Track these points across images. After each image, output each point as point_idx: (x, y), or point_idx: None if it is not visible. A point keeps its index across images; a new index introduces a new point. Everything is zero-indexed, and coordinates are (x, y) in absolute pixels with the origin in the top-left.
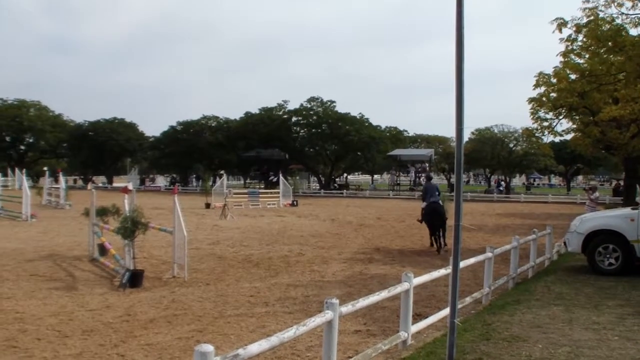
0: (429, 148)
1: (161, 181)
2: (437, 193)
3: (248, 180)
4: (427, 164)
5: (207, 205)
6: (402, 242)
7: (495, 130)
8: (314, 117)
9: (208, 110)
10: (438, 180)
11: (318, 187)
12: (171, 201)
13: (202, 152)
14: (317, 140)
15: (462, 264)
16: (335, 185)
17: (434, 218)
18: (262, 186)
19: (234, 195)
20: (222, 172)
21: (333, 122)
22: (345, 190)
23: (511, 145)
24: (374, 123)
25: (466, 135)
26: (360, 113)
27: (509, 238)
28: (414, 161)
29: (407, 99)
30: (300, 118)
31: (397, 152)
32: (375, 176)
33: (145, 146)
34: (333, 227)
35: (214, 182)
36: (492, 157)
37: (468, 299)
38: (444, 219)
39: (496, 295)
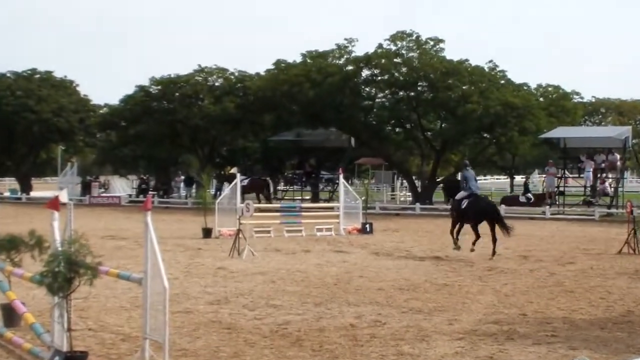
0: (621, 125)
1: (121, 187)
2: (477, 185)
3: (281, 187)
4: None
5: (207, 232)
6: (569, 303)
7: None
8: (403, 70)
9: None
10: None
11: (411, 198)
12: (140, 223)
13: (197, 134)
14: (407, 111)
15: None
16: (440, 187)
17: (480, 215)
18: (308, 197)
19: (256, 214)
20: (232, 170)
21: (438, 78)
22: None
23: None
24: (516, 80)
25: None
26: (490, 62)
27: None
28: (592, 149)
29: (576, 38)
30: (377, 71)
31: (559, 132)
32: (518, 177)
33: (92, 123)
34: (439, 273)
35: (219, 189)
36: None
37: None
38: (499, 216)
39: None
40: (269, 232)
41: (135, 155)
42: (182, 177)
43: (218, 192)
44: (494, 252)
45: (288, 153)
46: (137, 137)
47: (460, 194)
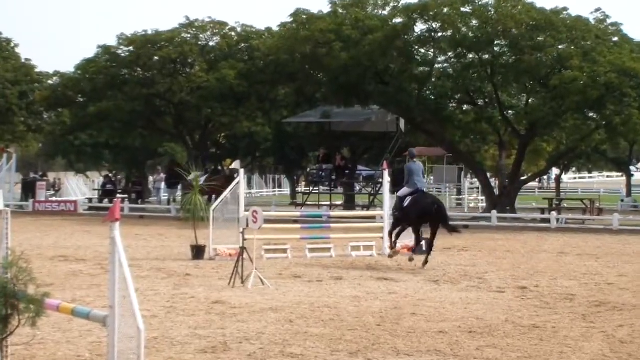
0: None
1: (77, 188)
2: (424, 181)
3: (301, 190)
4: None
5: (198, 251)
6: None
7: None
8: (474, 23)
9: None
10: None
11: (484, 203)
12: (104, 239)
13: (184, 114)
14: (480, 80)
15: None
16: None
17: (423, 214)
18: (339, 202)
19: (266, 226)
20: (233, 164)
21: (523, 34)
22: (555, 214)
23: None
24: (635, 37)
25: None
26: (598, 12)
27: None
28: None
29: None
30: (437, 25)
31: None
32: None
33: (36, 99)
34: (525, 310)
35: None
36: None
37: None
38: (445, 217)
39: None
40: (285, 251)
41: (98, 144)
42: (164, 175)
43: (213, 196)
44: (425, 262)
45: (312, 141)
46: (101, 119)
47: (403, 191)
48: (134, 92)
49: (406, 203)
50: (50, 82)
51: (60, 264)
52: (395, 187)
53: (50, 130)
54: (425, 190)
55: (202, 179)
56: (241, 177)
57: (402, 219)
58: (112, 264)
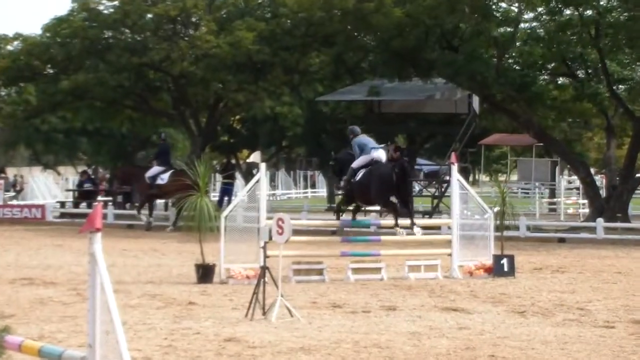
0: None
1: (46, 188)
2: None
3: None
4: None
5: (206, 272)
6: None
7: None
8: None
9: None
10: None
11: (586, 209)
12: (81, 256)
13: (187, 90)
14: (580, 44)
15: None
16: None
17: (384, 190)
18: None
19: (294, 239)
20: (253, 156)
21: None
22: None
23: None
24: None
25: None
26: None
27: None
28: None
29: None
30: None
31: None
32: None
33: None
34: None
35: (227, 192)
36: None
37: None
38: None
39: None
40: (320, 272)
41: (73, 130)
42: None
43: (225, 199)
44: (412, 224)
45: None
46: (76, 96)
47: (358, 161)
48: (121, 61)
49: (359, 176)
50: (9, 47)
51: (24, 288)
52: (336, 173)
53: (9, 111)
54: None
55: (165, 176)
56: (262, 174)
57: (354, 195)
58: (91, 288)
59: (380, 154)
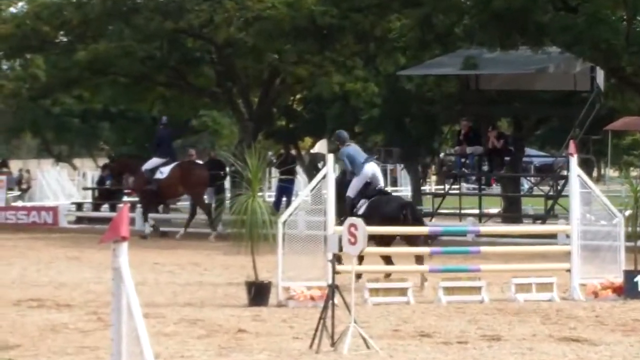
0: None
1: (58, 186)
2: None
3: (431, 189)
4: None
5: (259, 291)
6: None
7: None
8: None
9: None
10: None
11: None
12: (102, 271)
13: (233, 62)
14: None
15: None
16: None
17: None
18: (494, 208)
19: (370, 250)
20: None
21: None
22: None
23: None
24: None
25: None
26: None
27: None
28: None
29: None
30: None
31: None
32: None
33: None
34: None
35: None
36: None
37: None
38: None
39: None
40: (403, 292)
41: (91, 113)
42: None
43: (284, 199)
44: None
45: (447, 107)
46: (95, 71)
47: (353, 187)
48: (151, 25)
49: (361, 209)
50: (12, 10)
51: (32, 312)
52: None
53: (12, 89)
54: (381, 184)
55: (166, 170)
56: (329, 168)
57: None
58: (116, 312)
59: (374, 170)
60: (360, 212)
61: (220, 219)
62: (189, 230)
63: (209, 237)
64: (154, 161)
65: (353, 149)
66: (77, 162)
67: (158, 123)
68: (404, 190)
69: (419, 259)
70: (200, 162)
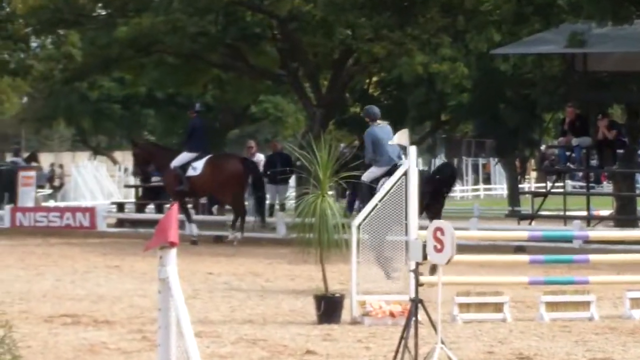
0: None
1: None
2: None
3: (530, 187)
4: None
5: (330, 306)
6: None
7: None
8: None
9: None
10: None
11: None
12: (147, 282)
13: (295, 36)
14: None
15: None
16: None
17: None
18: (606, 209)
19: (458, 258)
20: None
21: None
22: None
23: None
24: None
25: None
26: None
27: None
28: None
29: None
30: None
31: None
32: None
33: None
34: None
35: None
36: None
37: None
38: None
39: None
40: (498, 307)
41: (134, 99)
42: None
43: (355, 201)
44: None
45: (549, 91)
46: (139, 49)
47: (371, 172)
48: None
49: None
50: None
51: (66, 330)
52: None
53: (42, 71)
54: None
55: (199, 165)
56: (411, 163)
57: None
58: (163, 330)
59: (399, 156)
60: (383, 190)
61: (264, 221)
62: (248, 234)
63: (230, 239)
64: (184, 156)
65: (382, 128)
66: (117, 155)
67: (190, 110)
68: (499, 189)
69: (433, 269)
70: (244, 155)
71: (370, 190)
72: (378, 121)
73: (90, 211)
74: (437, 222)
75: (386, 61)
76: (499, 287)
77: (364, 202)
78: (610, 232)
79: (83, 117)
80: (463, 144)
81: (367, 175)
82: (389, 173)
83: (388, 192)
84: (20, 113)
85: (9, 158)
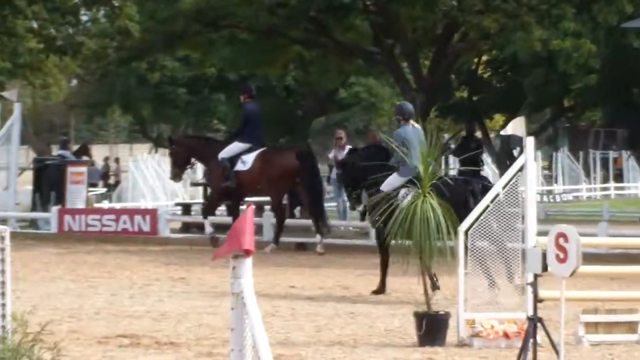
0: None
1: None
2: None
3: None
4: None
5: (431, 324)
6: None
7: None
8: None
9: None
10: None
11: None
12: (213, 297)
13: (390, 7)
14: None
15: None
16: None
17: None
18: None
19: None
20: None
21: None
22: None
23: None
24: None
25: None
26: None
27: None
28: None
29: None
30: None
31: None
32: None
33: None
34: None
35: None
36: None
37: None
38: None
39: None
40: (632, 327)
41: (201, 81)
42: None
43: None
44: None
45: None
46: (207, 23)
47: (393, 181)
48: None
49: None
50: None
51: (123, 353)
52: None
53: (95, 50)
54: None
55: (249, 159)
56: (529, 156)
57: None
58: (236, 353)
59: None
60: (405, 202)
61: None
62: (334, 241)
63: (265, 248)
64: (235, 147)
65: (415, 132)
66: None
67: (240, 92)
68: (632, 188)
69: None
70: (298, 150)
71: (388, 202)
72: (410, 120)
73: (151, 214)
74: (559, 227)
75: (498, 37)
76: (633, 303)
77: (378, 216)
78: None
79: (142, 103)
80: (590, 134)
81: (386, 185)
82: (410, 183)
83: (501, 191)
84: (68, 98)
85: (56, 151)
